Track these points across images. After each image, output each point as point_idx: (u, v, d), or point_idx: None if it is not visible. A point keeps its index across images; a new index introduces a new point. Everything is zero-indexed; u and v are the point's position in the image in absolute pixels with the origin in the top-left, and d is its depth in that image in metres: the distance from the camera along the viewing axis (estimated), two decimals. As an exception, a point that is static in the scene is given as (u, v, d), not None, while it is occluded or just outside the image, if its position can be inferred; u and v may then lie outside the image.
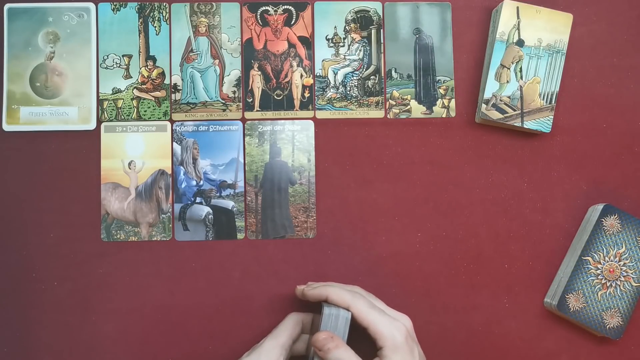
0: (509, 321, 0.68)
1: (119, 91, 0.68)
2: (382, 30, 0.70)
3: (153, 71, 0.68)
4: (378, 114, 0.69)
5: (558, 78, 0.68)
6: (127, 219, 0.67)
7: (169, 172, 0.68)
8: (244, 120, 0.68)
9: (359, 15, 0.70)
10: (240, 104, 0.69)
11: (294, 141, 0.68)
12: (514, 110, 0.67)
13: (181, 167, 0.68)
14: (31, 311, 0.66)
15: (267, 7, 0.69)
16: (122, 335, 0.66)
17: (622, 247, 0.66)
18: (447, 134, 0.69)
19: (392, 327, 0.56)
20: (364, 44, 0.70)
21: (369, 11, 0.70)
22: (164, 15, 0.69)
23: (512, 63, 0.67)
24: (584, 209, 0.69)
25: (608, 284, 0.65)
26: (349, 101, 0.69)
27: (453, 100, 0.69)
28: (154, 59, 0.68)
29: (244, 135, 0.68)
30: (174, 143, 0.68)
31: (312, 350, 0.57)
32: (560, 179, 0.69)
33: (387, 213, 0.68)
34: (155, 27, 0.69)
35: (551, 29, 0.67)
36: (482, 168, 0.69)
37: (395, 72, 0.69)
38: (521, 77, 0.67)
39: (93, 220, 0.67)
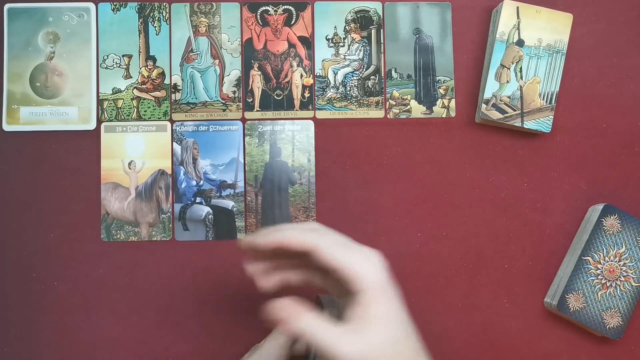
0: (509, 321, 0.68)
1: (119, 91, 0.68)
2: (382, 30, 0.70)
3: (153, 71, 0.68)
4: (378, 114, 0.69)
5: (558, 78, 0.68)
6: (127, 219, 0.67)
7: (169, 172, 0.68)
8: (244, 120, 0.68)
9: (359, 15, 0.70)
10: (240, 104, 0.69)
11: (294, 141, 0.68)
12: (514, 110, 0.67)
13: (181, 167, 0.68)
14: (31, 311, 0.66)
15: (267, 7, 0.69)
16: (122, 335, 0.66)
17: (622, 247, 0.66)
18: (447, 134, 0.69)
19: (370, 265, 0.46)
20: (364, 44, 0.70)
21: (369, 11, 0.70)
22: (164, 15, 0.69)
23: (512, 63, 0.67)
24: (584, 209, 0.69)
25: (608, 284, 0.65)
26: (349, 101, 0.69)
27: (453, 100, 0.69)
28: (154, 59, 0.68)
29: (244, 135, 0.68)
30: (174, 143, 0.68)
31: (312, 350, 0.57)
32: (560, 179, 0.69)
33: (387, 213, 0.68)
34: (155, 27, 0.69)
35: (551, 29, 0.67)
36: (482, 168, 0.69)
37: (395, 72, 0.69)
38: (521, 77, 0.67)
39: (93, 220, 0.67)
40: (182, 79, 0.68)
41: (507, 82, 0.67)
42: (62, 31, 0.68)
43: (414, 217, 0.68)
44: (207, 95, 0.68)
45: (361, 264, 0.46)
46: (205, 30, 0.69)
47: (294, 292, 0.65)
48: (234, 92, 0.69)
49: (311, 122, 0.69)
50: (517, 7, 0.67)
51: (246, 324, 0.66)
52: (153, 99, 0.68)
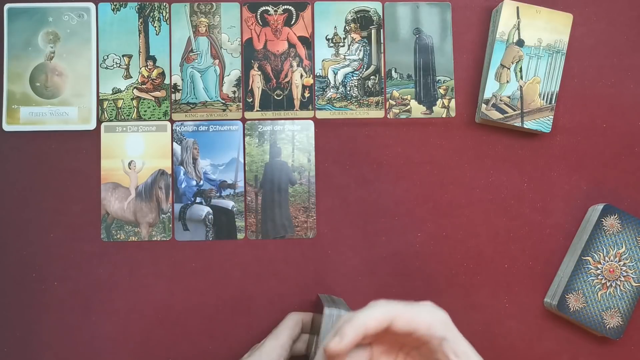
0: (509, 321, 0.68)
1: (119, 91, 0.68)
2: (382, 30, 0.70)
3: (153, 71, 0.68)
4: (378, 114, 0.69)
5: (558, 78, 0.68)
6: (127, 219, 0.67)
7: (169, 172, 0.68)
8: (244, 120, 0.68)
9: (359, 15, 0.70)
10: (240, 104, 0.69)
11: (294, 141, 0.68)
12: (514, 110, 0.67)
13: (181, 167, 0.68)
14: (31, 311, 0.66)
15: (267, 7, 0.69)
16: (122, 335, 0.66)
17: (622, 247, 0.66)
18: (447, 134, 0.69)
19: (439, 312, 0.49)
20: (364, 44, 0.70)
21: (369, 11, 0.70)
22: (164, 15, 0.69)
23: (512, 63, 0.67)
24: (584, 209, 0.69)
25: (608, 284, 0.65)
26: (349, 101, 0.69)
27: (453, 100, 0.69)
28: (154, 59, 0.68)
29: (244, 135, 0.68)
30: (174, 143, 0.68)
31: (312, 350, 0.57)
32: (560, 179, 0.69)
33: (387, 213, 0.68)
34: (155, 27, 0.69)
35: (551, 29, 0.67)
36: (482, 168, 0.69)
37: (395, 72, 0.69)
38: (521, 77, 0.67)
39: (93, 220, 0.67)
40: (182, 79, 0.68)
41: (507, 82, 0.67)
42: (62, 31, 0.68)
43: (414, 217, 0.68)
44: (207, 95, 0.68)
45: (434, 314, 0.49)
46: (205, 30, 0.69)
47: (293, 293, 0.66)
48: (234, 92, 0.69)
49: (311, 122, 0.69)
50: (517, 7, 0.67)
51: (246, 324, 0.67)
52: (153, 99, 0.68)
